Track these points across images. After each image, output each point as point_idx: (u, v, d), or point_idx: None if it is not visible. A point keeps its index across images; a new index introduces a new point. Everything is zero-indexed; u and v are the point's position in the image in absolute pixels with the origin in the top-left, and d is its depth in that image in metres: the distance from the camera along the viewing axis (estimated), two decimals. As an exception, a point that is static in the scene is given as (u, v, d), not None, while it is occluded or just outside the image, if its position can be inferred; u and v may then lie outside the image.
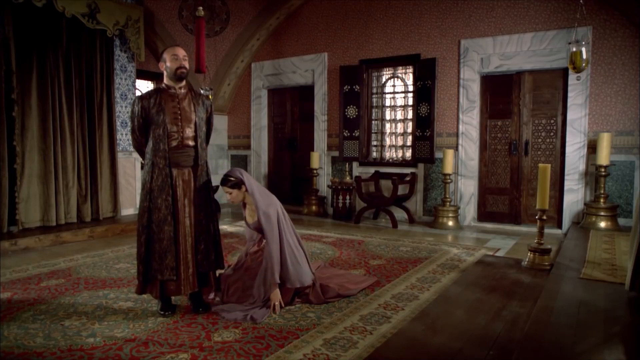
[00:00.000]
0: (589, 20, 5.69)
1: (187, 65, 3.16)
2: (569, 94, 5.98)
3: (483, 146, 6.73)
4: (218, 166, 9.00)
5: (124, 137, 6.79)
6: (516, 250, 5.12)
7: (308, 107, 8.25)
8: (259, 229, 3.39)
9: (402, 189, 6.84)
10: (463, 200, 6.72)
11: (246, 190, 3.33)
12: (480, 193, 6.77)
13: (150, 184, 3.10)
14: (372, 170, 7.42)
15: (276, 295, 3.22)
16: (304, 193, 7.95)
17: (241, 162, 9.04)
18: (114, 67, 6.58)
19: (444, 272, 4.20)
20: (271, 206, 3.31)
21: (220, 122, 8.93)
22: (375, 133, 7.65)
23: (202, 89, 7.11)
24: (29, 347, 2.64)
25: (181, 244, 3.11)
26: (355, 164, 7.59)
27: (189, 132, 3.16)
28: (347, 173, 7.39)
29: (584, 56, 4.76)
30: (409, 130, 7.33)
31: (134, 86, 6.97)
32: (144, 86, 7.99)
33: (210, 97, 7.04)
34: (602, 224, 5.51)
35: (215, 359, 2.50)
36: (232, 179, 3.30)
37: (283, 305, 3.25)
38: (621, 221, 5.65)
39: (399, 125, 7.47)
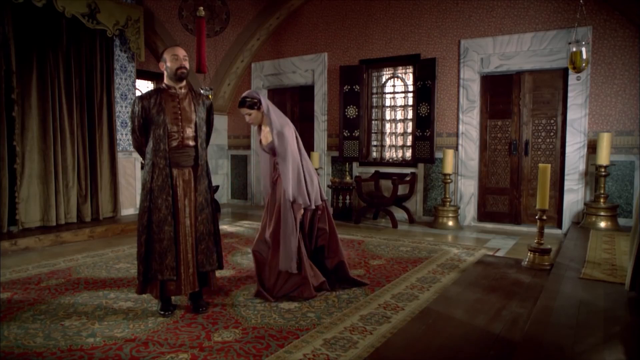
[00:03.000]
0: (589, 20, 5.69)
1: (187, 66, 3.16)
2: (569, 94, 5.98)
3: (483, 146, 6.73)
4: (218, 166, 9.00)
5: (124, 137, 6.79)
6: (516, 250, 5.12)
7: (308, 107, 8.25)
8: (273, 150, 3.42)
9: (402, 189, 6.84)
10: (463, 200, 6.72)
11: (263, 111, 3.35)
12: (480, 193, 6.77)
13: (150, 184, 3.10)
14: (372, 170, 7.42)
15: (300, 212, 3.37)
16: (304, 193, 7.94)
17: (241, 162, 9.04)
18: (114, 67, 6.58)
19: (444, 272, 4.20)
20: (286, 126, 3.36)
21: (220, 122, 8.93)
22: (375, 133, 7.65)
23: (202, 89, 7.10)
24: (29, 347, 2.64)
25: (181, 243, 3.11)
26: (355, 164, 7.59)
27: (189, 132, 3.16)
28: (347, 173, 7.40)
29: (584, 56, 4.76)
30: (409, 130, 7.33)
31: (134, 86, 6.97)
32: (144, 86, 7.99)
33: (210, 97, 7.04)
34: (602, 224, 5.51)
35: (215, 359, 2.50)
36: (249, 99, 3.33)
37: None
38: (621, 221, 5.65)
39: (399, 125, 7.47)
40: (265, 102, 3.37)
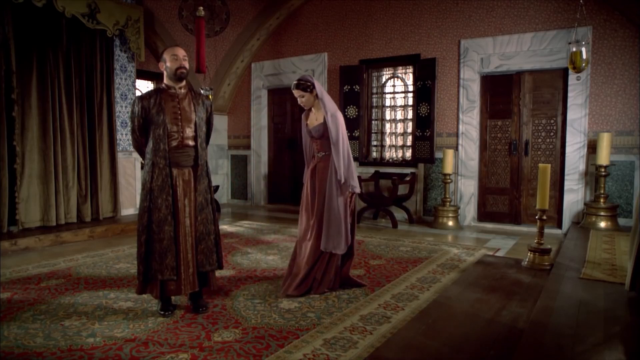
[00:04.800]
0: (589, 20, 5.69)
1: (187, 66, 3.16)
2: (569, 94, 5.98)
3: (483, 146, 6.73)
4: (218, 166, 9.00)
5: (124, 137, 6.79)
6: (516, 250, 5.12)
7: (308, 107, 8.24)
8: (320, 133, 3.48)
9: (402, 189, 6.84)
10: (463, 200, 6.72)
11: (316, 94, 3.47)
12: (480, 193, 6.77)
13: (150, 184, 3.10)
14: (372, 170, 7.42)
15: (350, 194, 3.48)
16: (304, 193, 7.93)
17: (241, 162, 9.04)
18: (114, 67, 6.58)
19: (444, 272, 4.20)
20: (338, 111, 3.50)
21: (220, 122, 8.93)
22: (375, 133, 7.65)
23: (202, 89, 7.10)
24: (29, 347, 2.64)
25: (181, 243, 3.11)
26: (355, 164, 7.58)
27: (189, 132, 3.16)
28: (347, 173, 7.38)
29: (584, 56, 4.76)
30: (409, 130, 7.33)
31: (134, 86, 6.97)
32: (144, 86, 7.99)
33: (210, 97, 7.04)
34: (602, 224, 5.51)
35: (215, 359, 2.50)
36: (303, 82, 3.46)
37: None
38: (621, 221, 5.64)
39: (399, 125, 7.47)
40: (319, 87, 3.50)
